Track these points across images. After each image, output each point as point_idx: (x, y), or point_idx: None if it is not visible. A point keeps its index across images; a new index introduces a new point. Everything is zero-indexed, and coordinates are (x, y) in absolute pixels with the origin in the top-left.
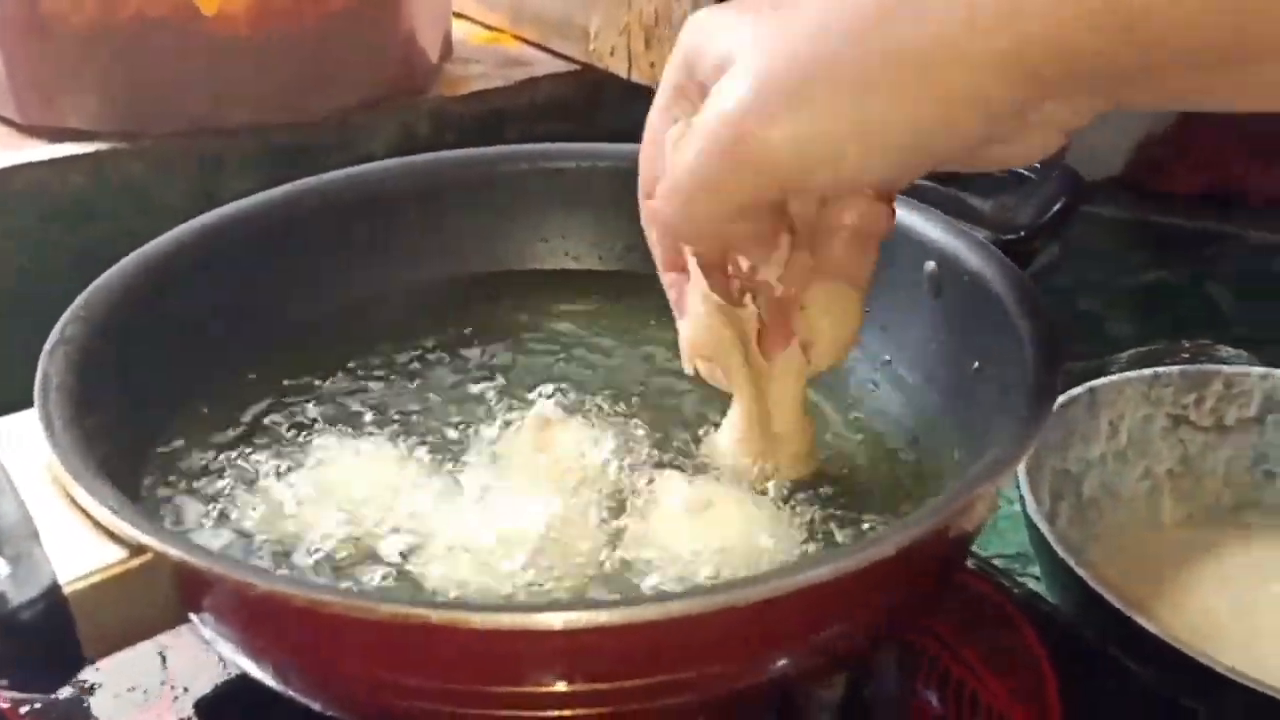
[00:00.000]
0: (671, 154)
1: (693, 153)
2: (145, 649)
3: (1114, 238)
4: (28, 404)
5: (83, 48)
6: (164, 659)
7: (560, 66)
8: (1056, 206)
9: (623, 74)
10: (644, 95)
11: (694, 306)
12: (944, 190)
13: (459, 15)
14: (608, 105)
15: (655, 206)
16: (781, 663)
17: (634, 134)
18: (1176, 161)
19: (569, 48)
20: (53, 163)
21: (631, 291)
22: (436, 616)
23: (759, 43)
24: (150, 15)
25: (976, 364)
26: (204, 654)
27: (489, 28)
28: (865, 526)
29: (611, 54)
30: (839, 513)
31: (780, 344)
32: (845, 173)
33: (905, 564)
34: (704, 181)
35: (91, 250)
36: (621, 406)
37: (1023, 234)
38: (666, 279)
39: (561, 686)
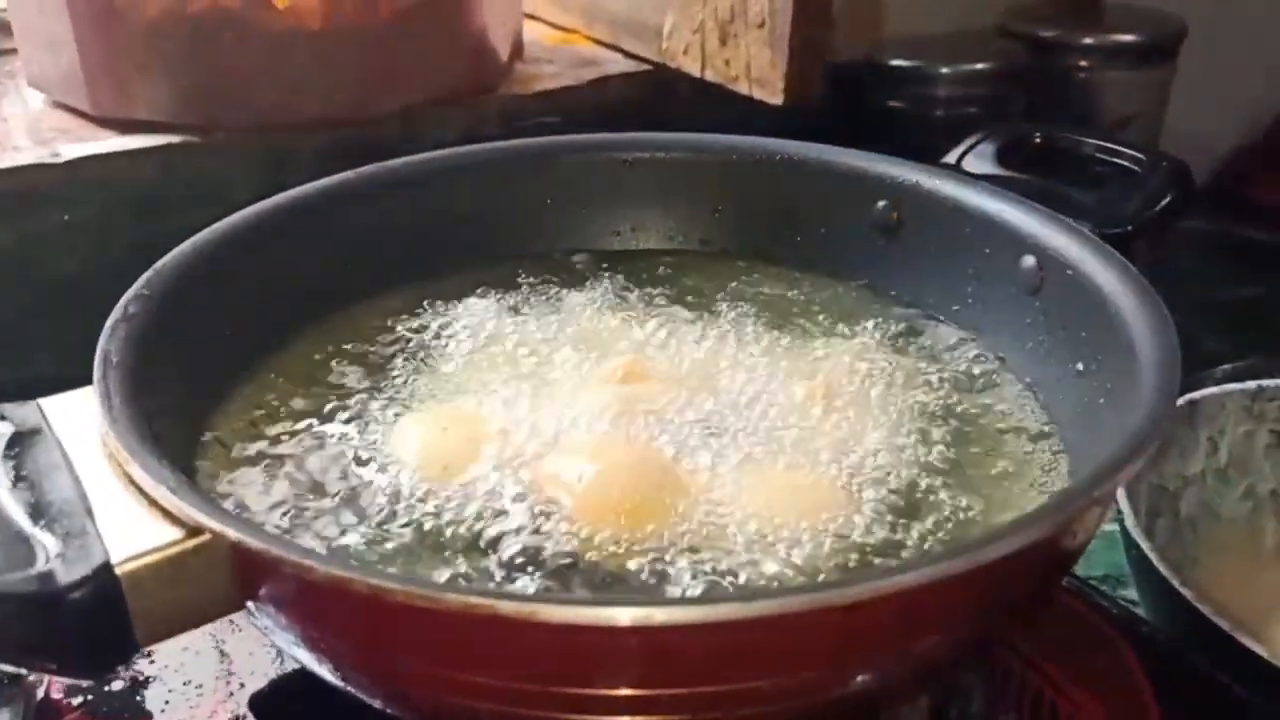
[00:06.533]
0: None
1: None
2: (202, 642)
3: (1204, 251)
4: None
5: (156, 39)
6: (222, 652)
7: (631, 66)
8: (1164, 201)
9: (695, 73)
10: (715, 94)
11: None
12: (1042, 182)
13: (531, 17)
14: (678, 105)
15: None
16: (868, 673)
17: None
18: (1264, 172)
19: (641, 47)
20: (124, 154)
21: (705, 271)
22: (504, 607)
23: None
24: (224, 6)
25: (1080, 365)
26: (262, 648)
27: (561, 29)
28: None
29: (685, 52)
30: (923, 508)
31: None
32: None
33: (1012, 571)
34: None
35: (158, 243)
36: (698, 376)
37: (1128, 229)
38: None
39: (633, 690)
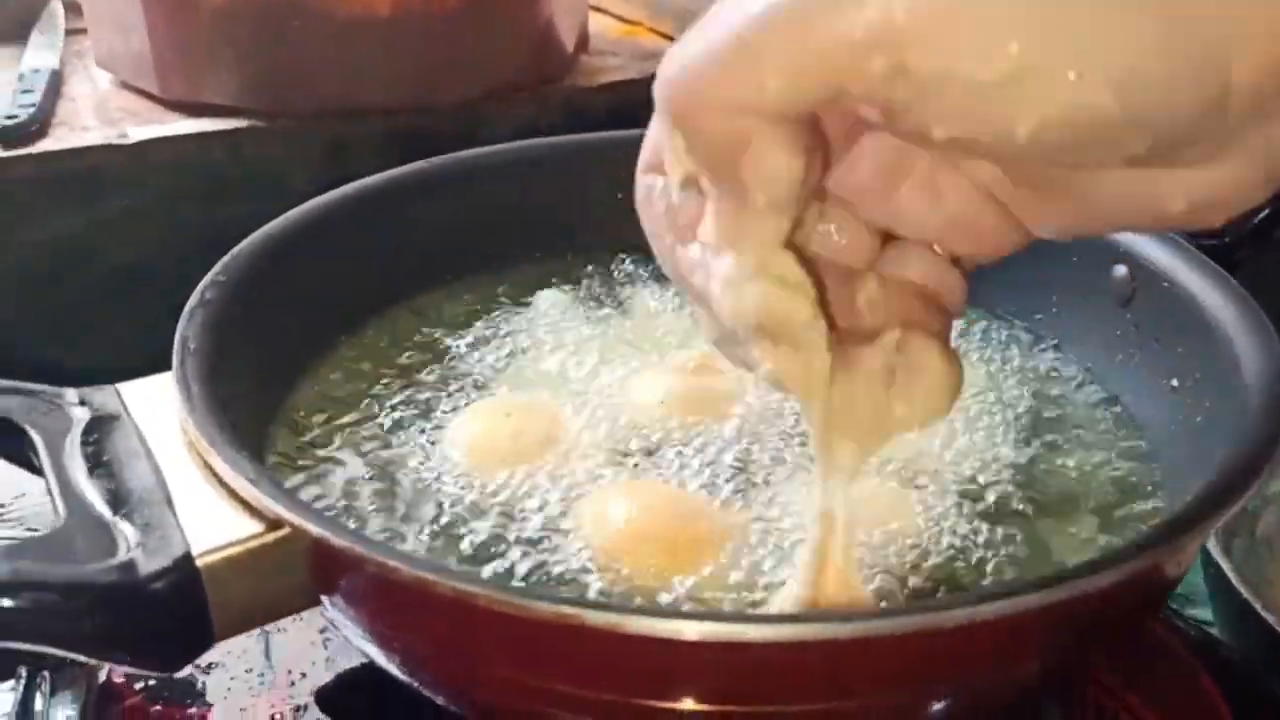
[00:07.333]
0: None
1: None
2: (264, 630)
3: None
4: (155, 373)
5: (226, 23)
6: (280, 643)
7: None
8: (1264, 211)
9: None
10: None
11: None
12: None
13: (596, 9)
14: None
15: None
16: (950, 700)
17: None
18: None
19: None
20: (191, 137)
21: None
22: (593, 618)
23: None
24: None
25: (1175, 381)
26: (323, 637)
27: (627, 21)
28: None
29: None
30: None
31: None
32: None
33: (1112, 600)
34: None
35: (223, 226)
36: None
37: (1225, 240)
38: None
39: (710, 706)
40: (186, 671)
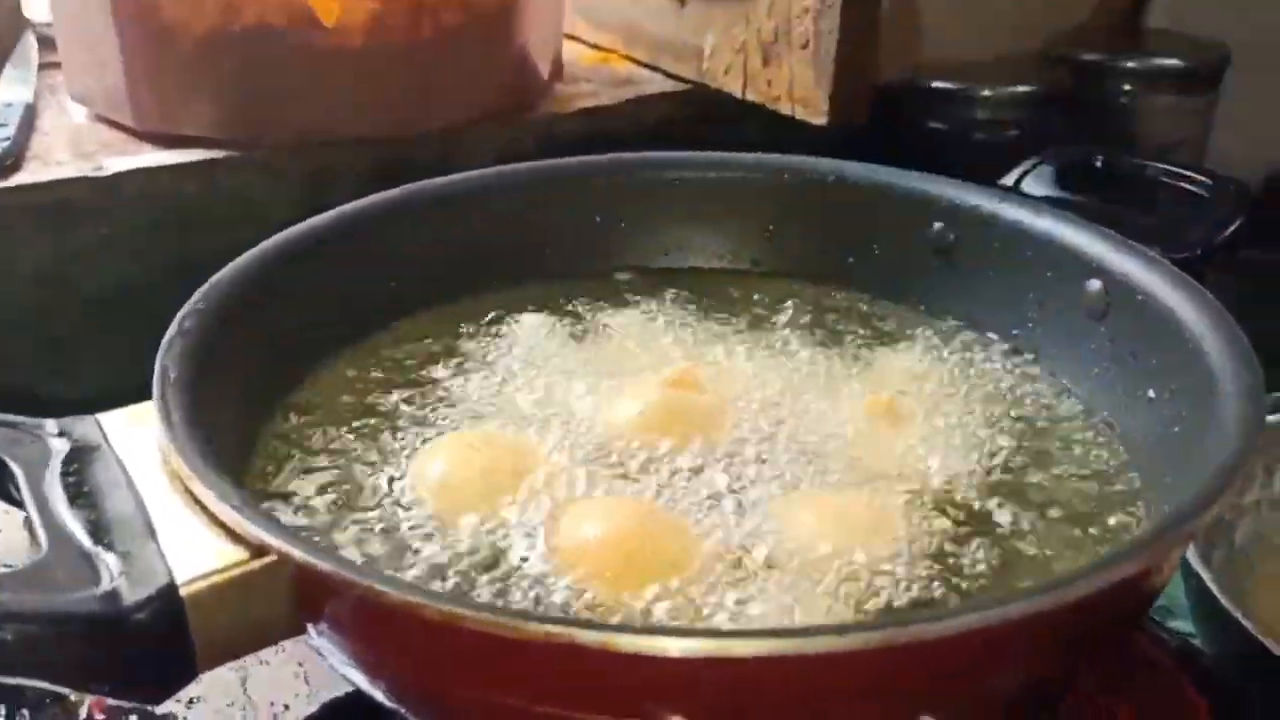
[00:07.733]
0: None
1: None
2: (246, 662)
3: (1241, 278)
4: (134, 404)
5: (201, 55)
6: (263, 676)
7: (670, 86)
8: (1233, 225)
9: (736, 93)
10: (754, 114)
11: None
12: (1104, 206)
13: (571, 37)
14: (717, 124)
15: None
16: (926, 714)
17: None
18: None
19: (681, 67)
20: (167, 169)
21: (756, 291)
22: (586, 637)
23: None
24: (270, 25)
25: (1151, 392)
26: (304, 669)
27: (599, 49)
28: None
29: (726, 73)
30: (987, 534)
31: None
32: None
33: (1099, 607)
34: None
35: (199, 257)
36: (747, 393)
37: (1198, 253)
38: None
39: None
40: (169, 707)
